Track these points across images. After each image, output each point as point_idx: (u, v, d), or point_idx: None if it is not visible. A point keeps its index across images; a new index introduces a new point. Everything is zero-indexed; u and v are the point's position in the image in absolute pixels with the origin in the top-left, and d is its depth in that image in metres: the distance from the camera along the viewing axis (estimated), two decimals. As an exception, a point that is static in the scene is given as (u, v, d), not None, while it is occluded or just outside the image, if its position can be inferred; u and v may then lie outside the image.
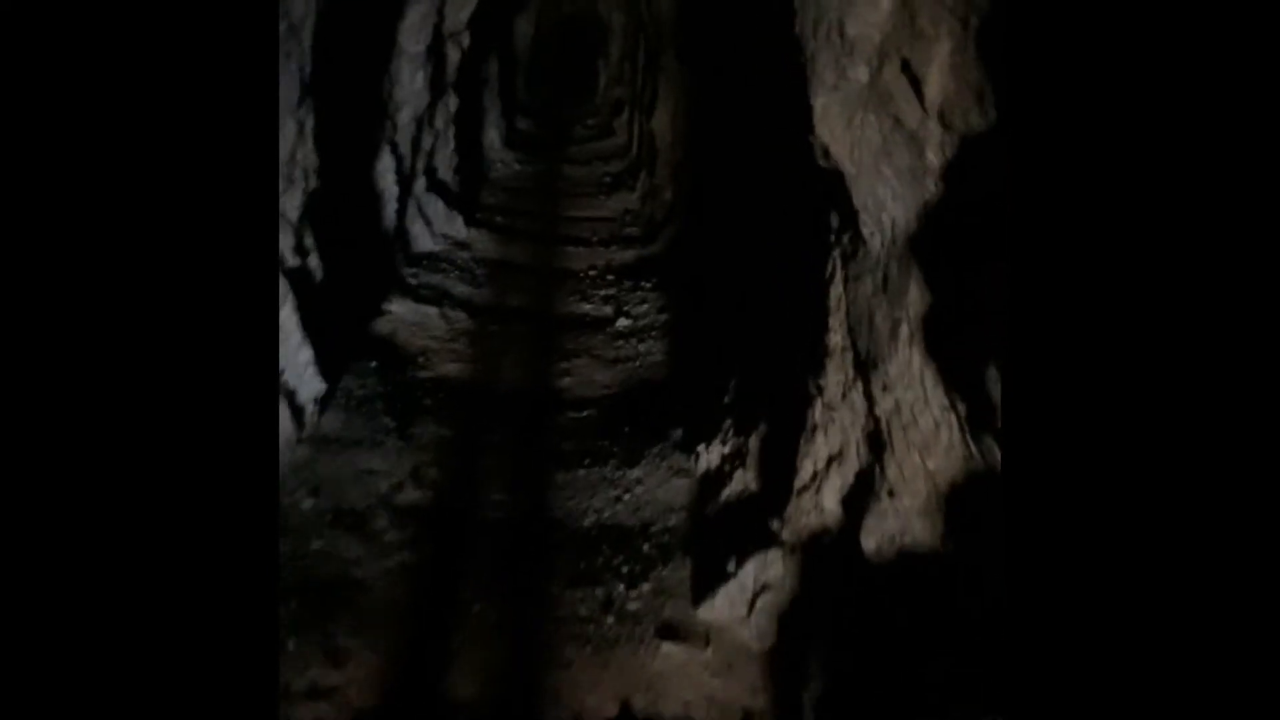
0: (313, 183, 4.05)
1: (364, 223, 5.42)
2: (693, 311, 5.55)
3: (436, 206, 6.98)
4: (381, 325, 5.14)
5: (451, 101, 7.69)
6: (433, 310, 5.46)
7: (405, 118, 6.27)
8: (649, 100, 9.39)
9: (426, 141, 6.97)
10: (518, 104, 13.49)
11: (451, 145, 7.77)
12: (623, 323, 5.66)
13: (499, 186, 9.45)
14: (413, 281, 5.88)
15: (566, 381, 4.82)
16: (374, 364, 4.56)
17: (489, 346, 5.16)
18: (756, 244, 5.24)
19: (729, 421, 3.86)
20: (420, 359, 4.86)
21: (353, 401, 4.14)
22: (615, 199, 9.27)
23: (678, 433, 4.09)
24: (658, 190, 7.99)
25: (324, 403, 3.88)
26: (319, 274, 4.12)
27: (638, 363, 5.05)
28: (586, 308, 5.98)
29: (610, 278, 6.56)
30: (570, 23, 15.72)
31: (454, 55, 7.60)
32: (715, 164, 6.44)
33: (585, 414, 4.46)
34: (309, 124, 4.03)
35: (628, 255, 7.18)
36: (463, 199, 7.81)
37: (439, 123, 7.39)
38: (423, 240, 6.58)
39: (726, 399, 4.06)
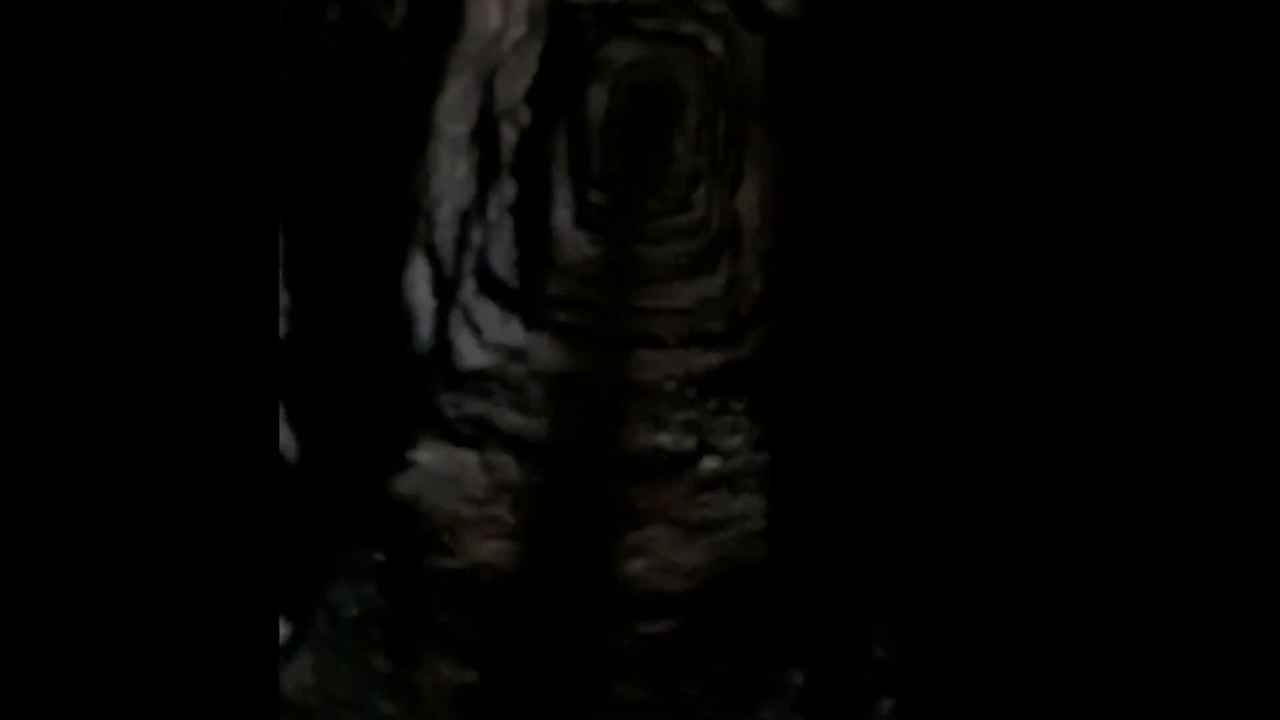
0: (283, 327, 2.89)
1: (384, 352, 4.27)
2: (797, 450, 4.23)
3: (488, 312, 5.82)
4: (403, 484, 3.93)
5: (508, 188, 6.58)
6: (471, 457, 4.24)
7: (446, 214, 5.15)
8: (731, 175, 8.18)
9: (476, 237, 5.84)
10: (590, 179, 12.46)
11: (509, 238, 6.64)
12: (709, 464, 4.36)
13: (567, 274, 8.30)
14: (450, 414, 4.69)
15: (637, 567, 3.53)
16: (380, 557, 3.34)
17: (538, 511, 3.91)
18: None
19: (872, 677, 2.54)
20: (446, 536, 3.63)
21: (339, 630, 2.91)
22: (693, 286, 8.03)
23: (797, 678, 2.76)
24: (743, 280, 6.73)
25: (290, 648, 2.67)
26: (293, 454, 2.93)
27: (731, 533, 3.74)
28: (663, 440, 4.70)
29: (690, 393, 5.29)
30: (641, 89, 14.72)
31: (509, 134, 6.50)
32: (815, 255, 5.17)
33: (660, 628, 3.16)
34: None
35: (711, 360, 5.91)
36: (523, 296, 6.66)
37: (492, 214, 6.27)
38: (469, 354, 5.42)
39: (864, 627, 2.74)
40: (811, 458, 4.06)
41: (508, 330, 5.97)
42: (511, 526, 3.77)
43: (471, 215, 5.65)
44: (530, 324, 6.27)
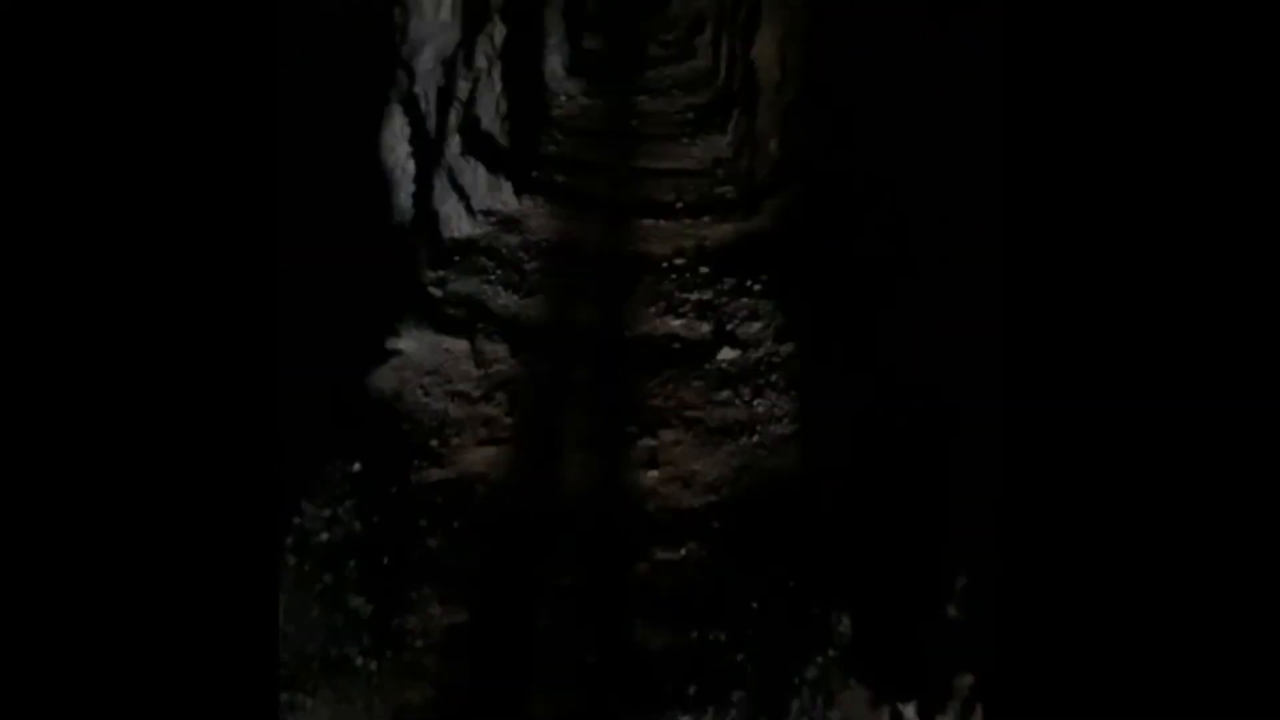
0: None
1: (359, 221, 3.71)
2: (825, 339, 3.76)
3: (477, 174, 5.22)
4: (382, 379, 3.46)
5: (498, 30, 5.85)
6: (461, 345, 3.76)
7: (427, 61, 4.48)
8: (744, 19, 7.40)
9: (462, 88, 5.17)
10: (586, 19, 11.50)
11: (499, 87, 5.95)
12: (727, 354, 3.90)
13: (562, 128, 7.60)
14: (437, 293, 4.17)
15: (651, 479, 3.11)
16: (356, 467, 2.90)
17: (538, 408, 3.46)
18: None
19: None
20: (434, 442, 3.18)
21: (308, 561, 2.50)
22: (702, 144, 7.37)
23: (844, 624, 2.37)
24: (760, 139, 6.10)
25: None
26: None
27: (755, 437, 3.30)
28: (674, 324, 4.22)
29: (704, 270, 4.76)
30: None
31: (499, -32, 5.74)
32: (846, 113, 4.58)
33: (680, 553, 2.76)
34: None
35: (724, 231, 5.36)
36: (515, 155, 6.02)
37: (480, 60, 5.58)
38: (457, 223, 4.85)
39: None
40: (844, 349, 3.59)
41: (499, 194, 5.38)
42: (507, 428, 3.32)
43: (456, 63, 4.98)
44: (522, 188, 5.67)
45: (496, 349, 3.80)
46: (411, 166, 4.11)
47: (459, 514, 2.84)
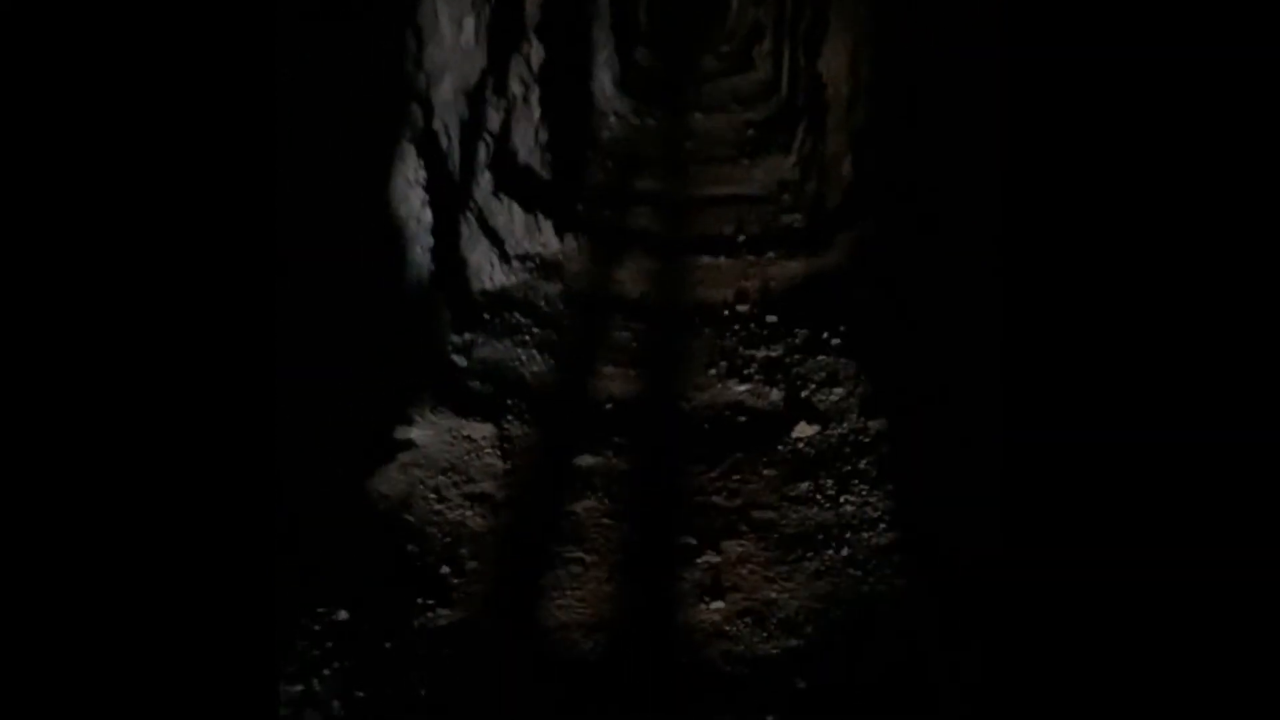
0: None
1: (365, 290, 3.13)
2: (920, 414, 3.08)
3: (512, 214, 4.63)
4: (387, 482, 2.86)
5: (534, 51, 5.29)
6: (486, 430, 3.15)
7: (446, 92, 3.91)
8: (807, 29, 6.73)
9: (492, 119, 4.60)
10: (639, 32, 10.92)
11: (537, 114, 5.37)
12: (804, 430, 3.23)
13: (611, 154, 7.00)
14: (461, 362, 3.58)
15: (715, 613, 2.46)
16: (343, 615, 2.30)
17: (571, 517, 2.84)
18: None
19: None
20: (446, 569, 2.57)
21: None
22: (764, 165, 6.71)
23: None
24: (829, 161, 5.42)
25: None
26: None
27: (843, 551, 2.63)
28: (739, 391, 3.56)
29: (771, 320, 4.10)
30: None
31: (534, -17, 5.17)
32: (930, 131, 3.90)
33: (755, 732, 2.11)
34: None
35: (793, 270, 4.69)
36: (557, 189, 5.44)
37: (514, 86, 5.01)
38: (489, 273, 4.27)
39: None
40: (950, 423, 2.90)
41: (537, 237, 4.78)
42: (534, 546, 2.70)
43: (485, 91, 4.41)
44: (565, 225, 5.07)
45: (527, 434, 3.20)
46: (428, 216, 3.53)
47: (469, 670, 2.23)
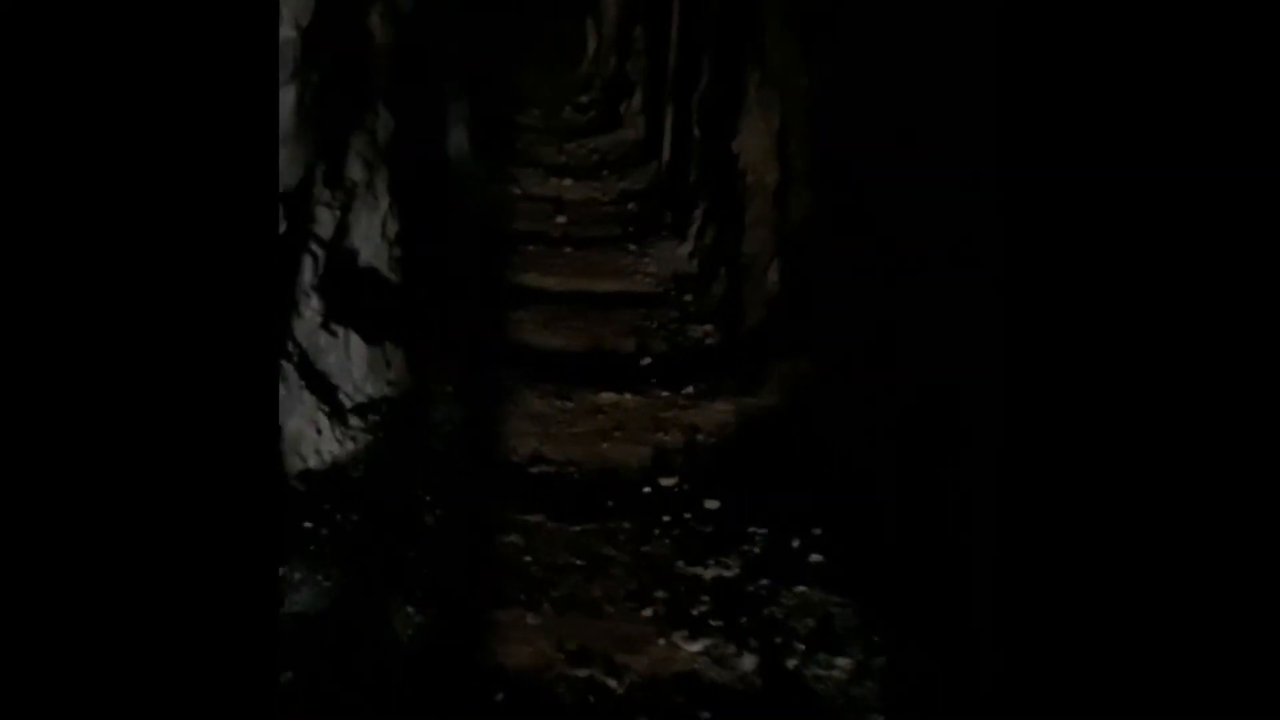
0: None
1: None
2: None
3: (349, 349, 3.33)
4: None
5: (381, 123, 4.03)
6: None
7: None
8: (705, 94, 5.71)
9: (323, 221, 3.31)
10: (495, 87, 9.69)
11: (386, 201, 4.09)
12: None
13: (472, 238, 5.76)
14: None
15: None
16: None
17: None
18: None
19: None
20: None
21: None
22: (656, 252, 5.64)
23: None
24: (750, 263, 4.37)
25: None
26: None
27: None
28: (689, 652, 2.38)
29: (711, 506, 2.98)
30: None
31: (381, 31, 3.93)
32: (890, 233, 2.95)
33: None
34: None
35: (720, 415, 3.59)
36: (410, 298, 4.17)
37: (355, 169, 3.73)
38: (313, 442, 2.95)
39: None
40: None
41: (385, 372, 3.50)
42: None
43: (313, 188, 3.12)
44: (422, 345, 3.81)
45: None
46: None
47: None
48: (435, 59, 6.19)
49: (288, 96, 2.66)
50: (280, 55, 2.53)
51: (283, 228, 2.76)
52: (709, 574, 2.68)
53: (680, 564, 2.74)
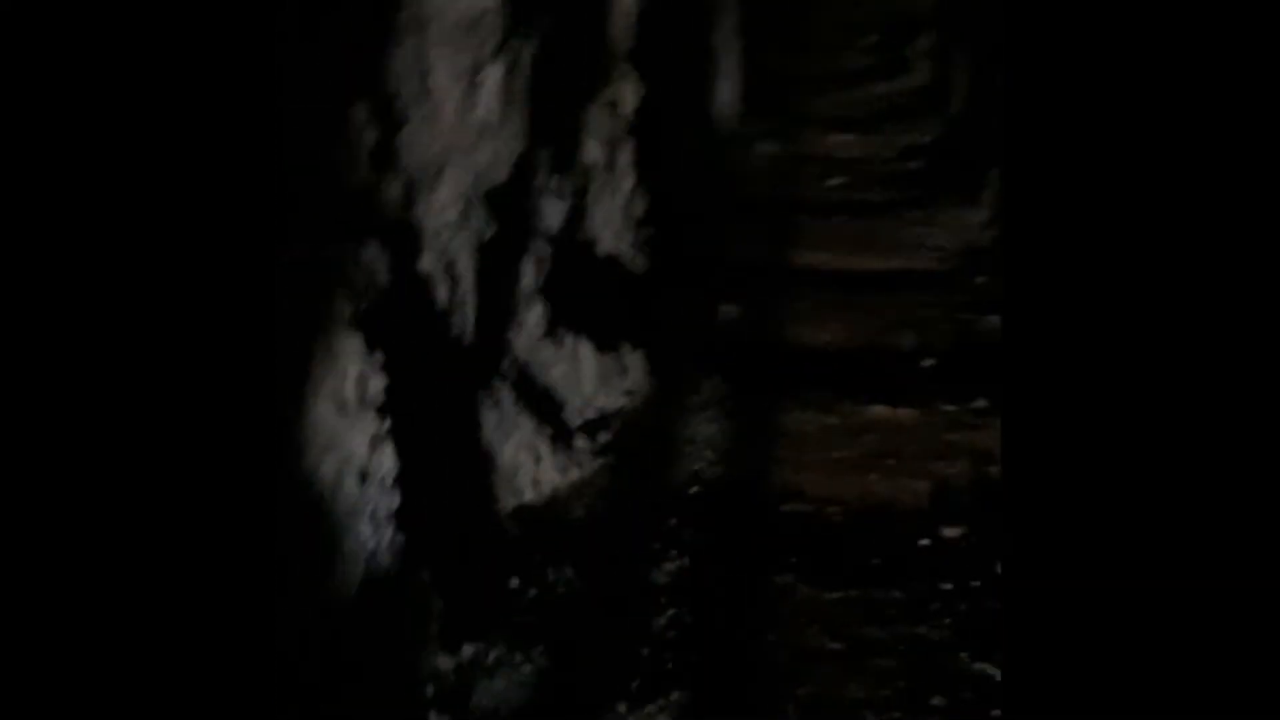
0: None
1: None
2: None
3: (578, 359, 2.91)
4: None
5: (629, 89, 3.56)
6: None
7: (445, 200, 2.22)
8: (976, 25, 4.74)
9: (550, 213, 2.90)
10: (766, 34, 8.99)
11: (631, 180, 3.64)
12: None
13: (740, 206, 5.21)
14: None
15: None
16: None
17: None
18: None
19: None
20: None
21: None
22: (943, 219, 4.81)
23: None
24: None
25: None
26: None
27: None
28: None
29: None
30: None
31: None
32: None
33: None
34: None
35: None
36: (656, 285, 3.71)
37: (592, 150, 3.30)
38: (530, 472, 2.56)
39: None
40: None
41: (618, 381, 3.07)
42: None
43: (534, 179, 2.71)
44: (664, 349, 3.34)
45: None
46: (387, 462, 1.85)
47: None
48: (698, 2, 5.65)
49: (491, 78, 2.24)
50: (476, 30, 2.10)
51: (487, 234, 2.35)
52: (1001, 674, 2.01)
53: (964, 657, 2.09)
